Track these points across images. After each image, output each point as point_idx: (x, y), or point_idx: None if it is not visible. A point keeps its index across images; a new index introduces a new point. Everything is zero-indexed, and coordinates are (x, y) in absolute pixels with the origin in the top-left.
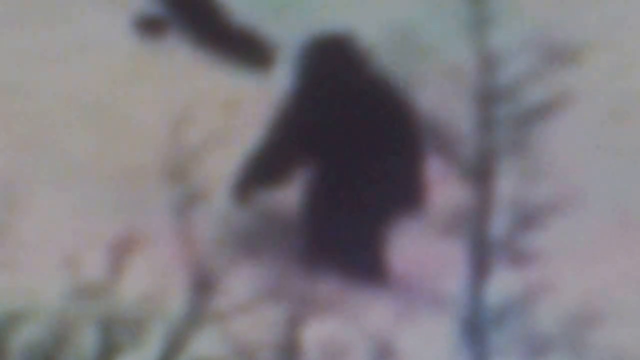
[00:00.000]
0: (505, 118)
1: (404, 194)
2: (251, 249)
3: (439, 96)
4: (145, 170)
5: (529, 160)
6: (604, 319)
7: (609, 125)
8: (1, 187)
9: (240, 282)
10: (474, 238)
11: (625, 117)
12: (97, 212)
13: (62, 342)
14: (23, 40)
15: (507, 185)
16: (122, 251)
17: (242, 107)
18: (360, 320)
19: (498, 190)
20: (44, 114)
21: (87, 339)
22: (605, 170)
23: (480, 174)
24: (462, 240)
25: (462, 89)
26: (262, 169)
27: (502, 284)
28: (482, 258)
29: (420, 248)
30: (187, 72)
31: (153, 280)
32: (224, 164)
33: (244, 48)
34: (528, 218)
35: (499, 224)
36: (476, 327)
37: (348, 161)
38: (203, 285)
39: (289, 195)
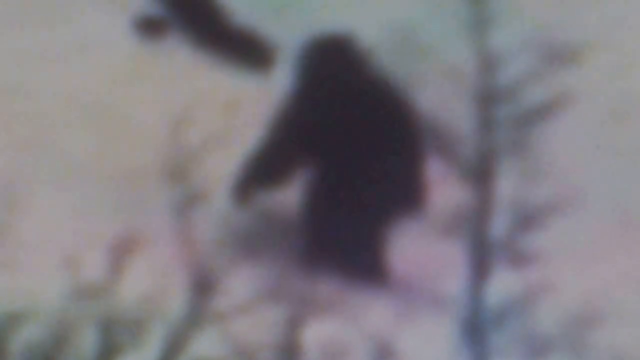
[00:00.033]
0: (506, 118)
1: (404, 194)
2: (251, 250)
3: (439, 96)
4: (145, 170)
5: (529, 161)
6: (604, 319)
7: (609, 125)
8: (1, 187)
9: (240, 283)
10: (474, 238)
11: (625, 117)
12: (97, 213)
13: (62, 343)
14: (23, 40)
15: (507, 185)
16: (122, 251)
17: (242, 107)
18: (360, 320)
19: (498, 190)
20: (44, 114)
21: (87, 340)
22: (605, 171)
23: (480, 174)
24: (462, 241)
25: (462, 90)
26: (262, 170)
27: (502, 284)
28: (482, 258)
29: (420, 248)
30: (187, 72)
31: (153, 281)
32: (224, 165)
33: (244, 48)
34: (528, 218)
35: (499, 225)
36: (476, 328)
37: (348, 162)
38: (203, 286)
39: (289, 196)
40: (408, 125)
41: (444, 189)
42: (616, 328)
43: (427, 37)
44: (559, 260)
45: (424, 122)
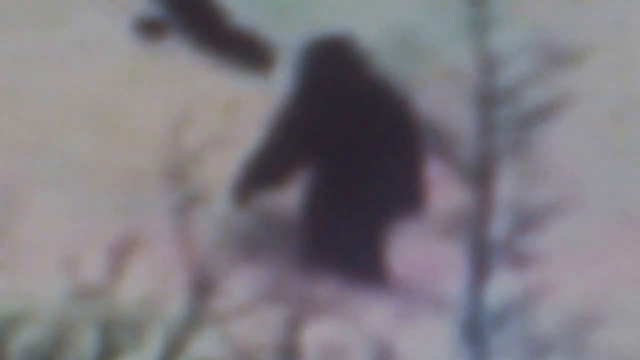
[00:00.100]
0: (506, 120)
1: (404, 195)
2: (251, 251)
3: (439, 98)
4: (145, 172)
5: (529, 162)
6: (604, 319)
7: (609, 126)
8: (1, 188)
9: (240, 284)
10: (474, 239)
11: (625, 118)
12: (96, 213)
13: (62, 344)
14: (23, 41)
15: (507, 186)
16: (121, 252)
17: (242, 108)
18: (360, 321)
19: (498, 191)
20: (44, 115)
21: (87, 340)
22: (605, 172)
23: (480, 175)
24: (462, 242)
25: (462, 91)
26: (262, 171)
27: (502, 285)
28: (482, 260)
29: (420, 249)
30: (187, 74)
31: (153, 282)
32: (223, 166)
33: (244, 50)
34: (528, 219)
35: (499, 225)
36: (476, 329)
37: (348, 163)
38: (203, 287)
39: (289, 197)
40: (408, 126)
41: (444, 190)
42: (616, 328)
43: (428, 38)
44: (559, 261)
45: (424, 123)
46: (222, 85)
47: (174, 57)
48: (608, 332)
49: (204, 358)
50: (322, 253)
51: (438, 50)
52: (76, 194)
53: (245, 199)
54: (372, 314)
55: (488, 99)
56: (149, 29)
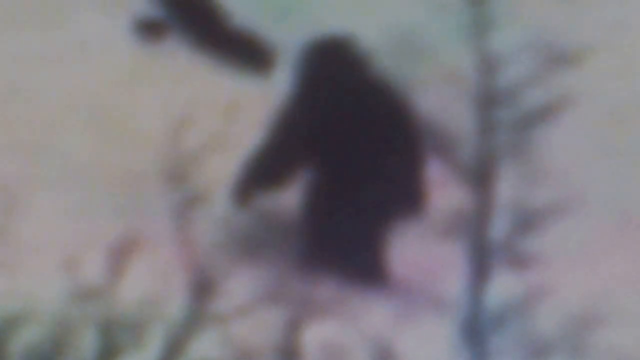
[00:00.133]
0: (506, 121)
1: (404, 196)
2: (251, 252)
3: (439, 99)
4: (145, 172)
5: (529, 163)
6: (604, 320)
7: (608, 127)
8: (1, 189)
9: (240, 285)
10: (474, 240)
11: (625, 119)
12: (96, 214)
13: (62, 345)
14: (23, 42)
15: (507, 187)
16: (121, 253)
17: (242, 109)
18: (360, 322)
19: (498, 192)
20: (43, 116)
21: (87, 342)
22: (605, 173)
23: (480, 176)
24: (462, 243)
25: (462, 92)
26: (262, 172)
27: (502, 286)
28: (482, 260)
29: (420, 250)
30: (187, 74)
31: (153, 283)
32: (223, 167)
33: (244, 51)
34: (528, 220)
35: (499, 226)
36: (476, 330)
37: (348, 164)
38: (203, 288)
39: (289, 198)
40: (408, 127)
41: (444, 191)
42: (616, 329)
43: (428, 39)
44: (558, 262)
45: (424, 124)
46: (222, 85)
47: (174, 57)
48: (608, 332)
49: (204, 358)
50: (322, 253)
51: (438, 50)
52: (76, 194)
53: (245, 200)
54: (372, 315)
55: (488, 100)
56: (149, 29)
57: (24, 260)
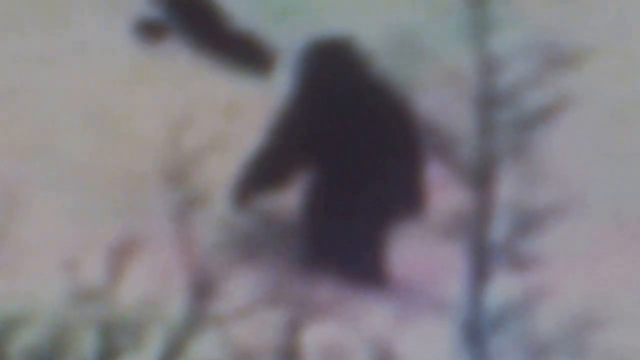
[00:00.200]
0: (506, 122)
1: (404, 198)
2: (251, 253)
3: (439, 100)
4: (144, 174)
5: (529, 164)
6: (604, 322)
7: (608, 129)
8: (1, 189)
9: (240, 286)
10: (474, 242)
11: (625, 121)
12: (96, 215)
13: (61, 346)
14: (23, 43)
15: (507, 189)
16: (121, 255)
17: (241, 110)
18: (360, 323)
19: (498, 193)
20: (43, 117)
21: (86, 343)
22: (605, 174)
23: (480, 178)
24: (462, 244)
25: (462, 93)
26: (262, 173)
27: (502, 287)
28: (482, 262)
29: (420, 252)
30: (187, 76)
31: (152, 284)
32: (223, 168)
33: (244, 52)
34: (528, 221)
35: (499, 228)
36: (476, 331)
37: (348, 165)
38: (202, 289)
39: (289, 199)
40: (408, 128)
41: (444, 193)
42: (616, 330)
43: (428, 40)
44: (558, 263)
45: (424, 125)
46: (222, 87)
47: (173, 58)
48: (608, 333)
49: None
50: (322, 255)
51: (438, 52)
52: (76, 196)
53: (245, 201)
54: (372, 316)
55: (488, 101)
56: (149, 30)
57: (23, 261)
